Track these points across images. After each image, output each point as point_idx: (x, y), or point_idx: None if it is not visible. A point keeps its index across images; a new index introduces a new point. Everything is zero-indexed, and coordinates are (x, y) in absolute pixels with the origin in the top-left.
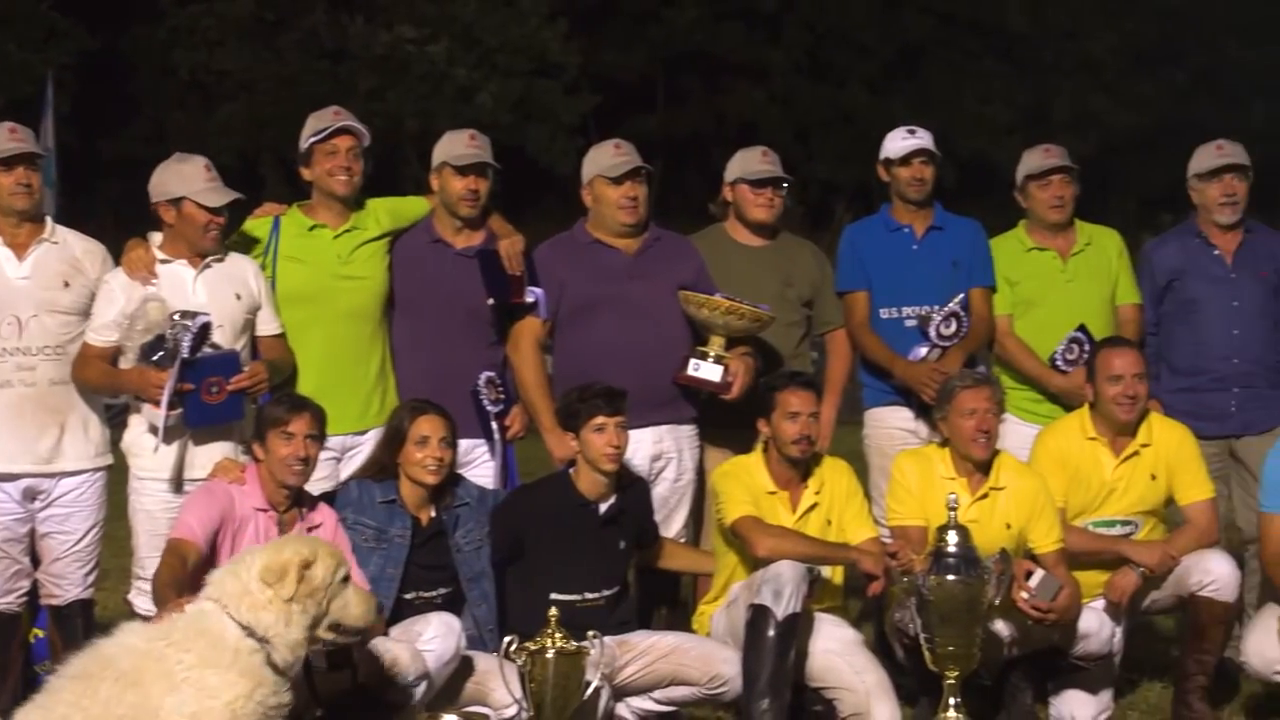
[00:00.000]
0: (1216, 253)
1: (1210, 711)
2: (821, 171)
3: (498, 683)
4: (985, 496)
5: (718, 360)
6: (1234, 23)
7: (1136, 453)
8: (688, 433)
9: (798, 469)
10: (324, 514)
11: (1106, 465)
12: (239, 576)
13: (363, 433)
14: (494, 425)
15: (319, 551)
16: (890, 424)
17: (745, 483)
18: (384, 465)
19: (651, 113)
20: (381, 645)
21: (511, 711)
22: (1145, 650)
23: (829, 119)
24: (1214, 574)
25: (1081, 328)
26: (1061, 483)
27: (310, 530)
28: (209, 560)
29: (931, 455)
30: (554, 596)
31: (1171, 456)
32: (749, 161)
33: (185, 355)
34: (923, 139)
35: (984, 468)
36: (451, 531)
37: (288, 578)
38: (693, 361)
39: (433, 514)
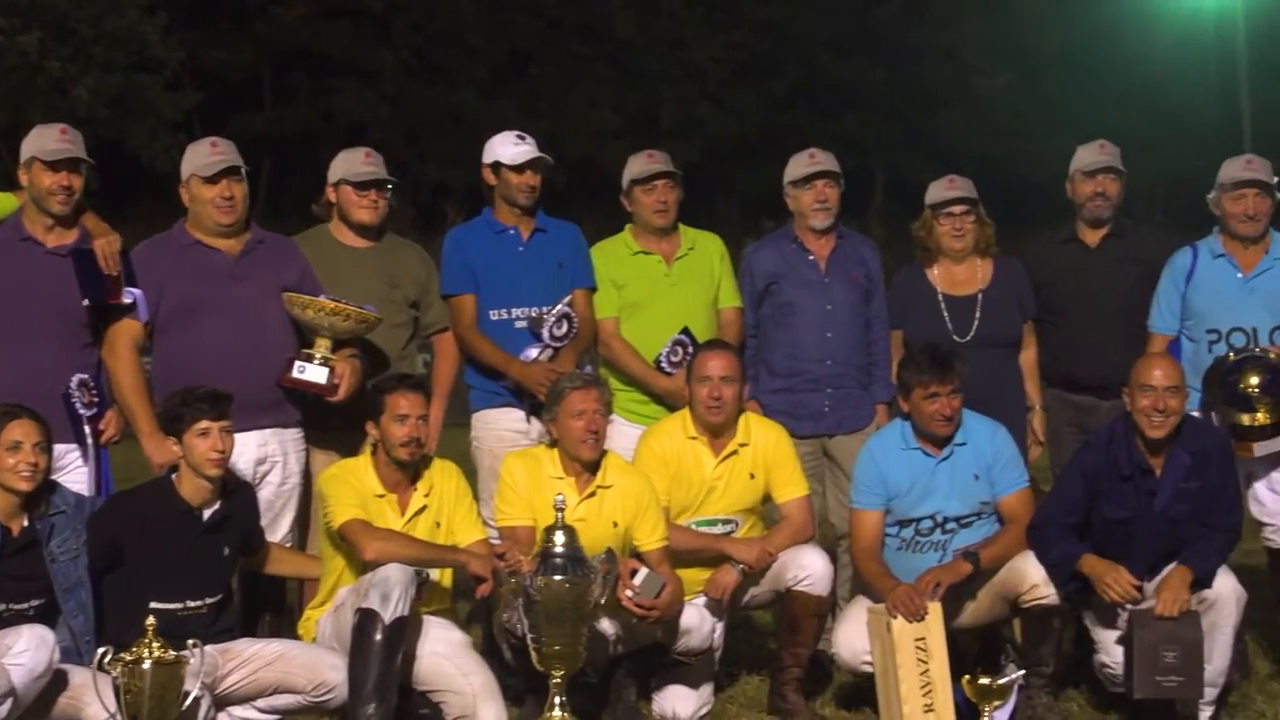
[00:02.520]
0: (811, 258)
1: (804, 702)
2: (432, 173)
3: (91, 696)
4: (593, 495)
5: (324, 362)
6: (828, 38)
7: (735, 452)
8: (293, 436)
9: (406, 472)
10: None
11: (707, 464)
12: None
13: None
14: (87, 430)
15: None
16: (501, 426)
17: (353, 486)
18: None
19: (258, 110)
20: None
21: None
22: (744, 644)
23: (439, 120)
24: (808, 569)
25: (685, 330)
26: (665, 482)
27: None
28: None
29: (540, 456)
30: (154, 605)
31: (768, 455)
32: (352, 163)
33: None
34: (533, 147)
35: (592, 467)
36: (46, 540)
37: None
38: (298, 364)
39: (25, 523)
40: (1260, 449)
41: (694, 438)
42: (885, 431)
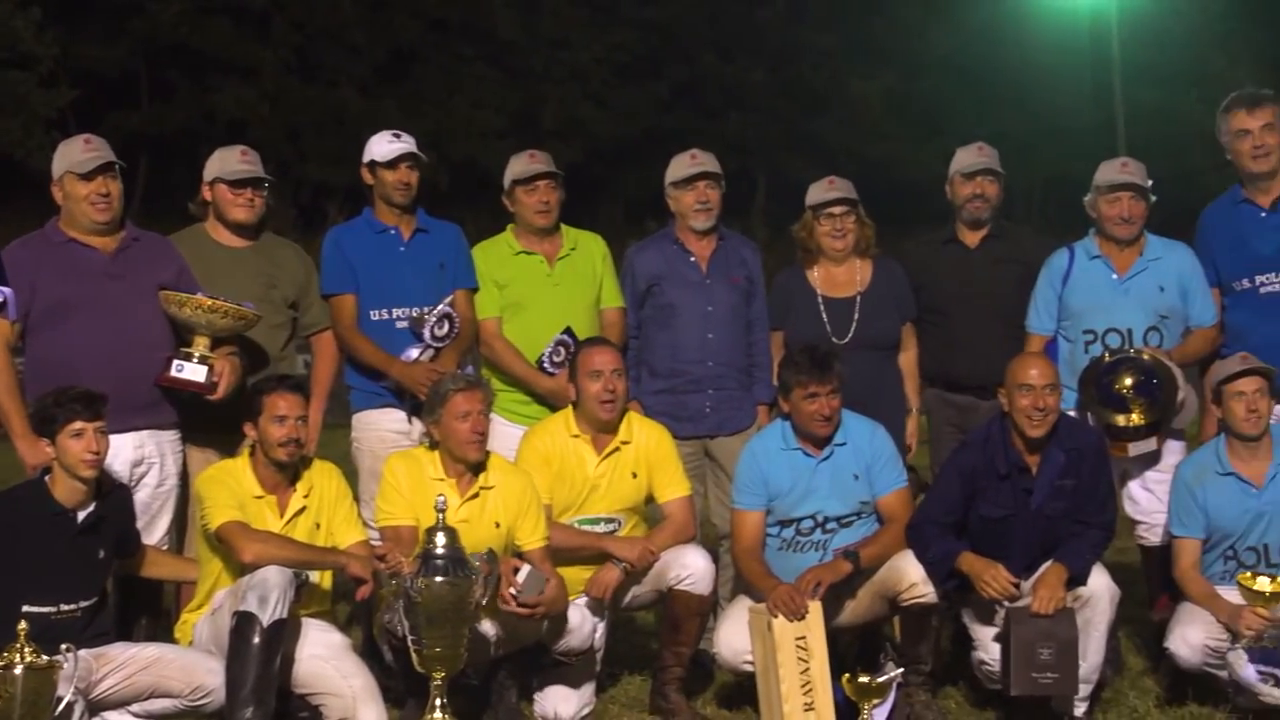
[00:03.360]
0: (692, 259)
1: (686, 702)
2: (314, 172)
3: None
4: (475, 497)
5: (202, 360)
6: (711, 39)
7: (618, 449)
8: (170, 437)
9: (285, 473)
10: None
11: (589, 463)
12: None
13: None
14: None
15: None
16: (382, 426)
17: (230, 487)
18: None
19: (135, 108)
20: None
21: None
22: (626, 644)
23: (320, 119)
24: (690, 568)
25: (567, 330)
26: (547, 480)
27: None
28: None
29: (421, 457)
30: (27, 609)
31: (650, 455)
32: (227, 161)
33: None
34: (407, 144)
35: (475, 469)
36: None
37: None
38: (176, 362)
39: None
40: (1134, 449)
41: (576, 436)
42: (766, 432)
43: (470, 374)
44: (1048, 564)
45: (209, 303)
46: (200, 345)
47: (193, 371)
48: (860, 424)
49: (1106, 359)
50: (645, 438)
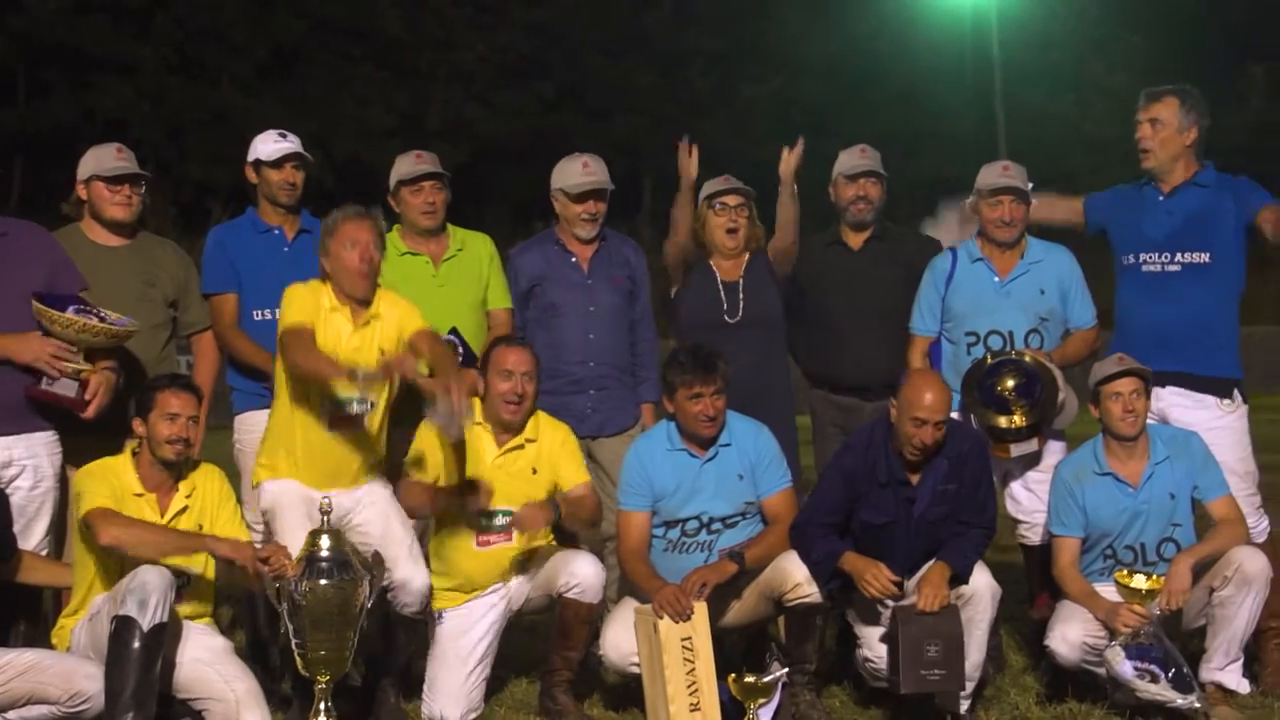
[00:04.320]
0: (574, 260)
1: (574, 703)
2: (195, 171)
3: None
4: (367, 325)
5: (75, 375)
6: (598, 41)
7: (521, 446)
8: (45, 439)
9: (170, 472)
10: None
11: (488, 454)
12: None
13: None
14: None
15: None
16: (264, 427)
17: (109, 482)
18: None
19: (12, 106)
20: None
21: None
22: (513, 646)
23: (202, 118)
24: (578, 576)
25: (454, 331)
26: (441, 456)
27: None
28: None
29: (317, 288)
30: None
31: (554, 453)
32: (102, 158)
33: None
34: (293, 144)
35: (364, 303)
36: None
37: None
38: (46, 377)
39: None
40: (1016, 450)
41: (479, 423)
42: (651, 433)
43: (361, 207)
44: (931, 563)
45: (80, 323)
46: (74, 359)
47: (64, 386)
48: (745, 424)
49: (989, 361)
50: (550, 437)
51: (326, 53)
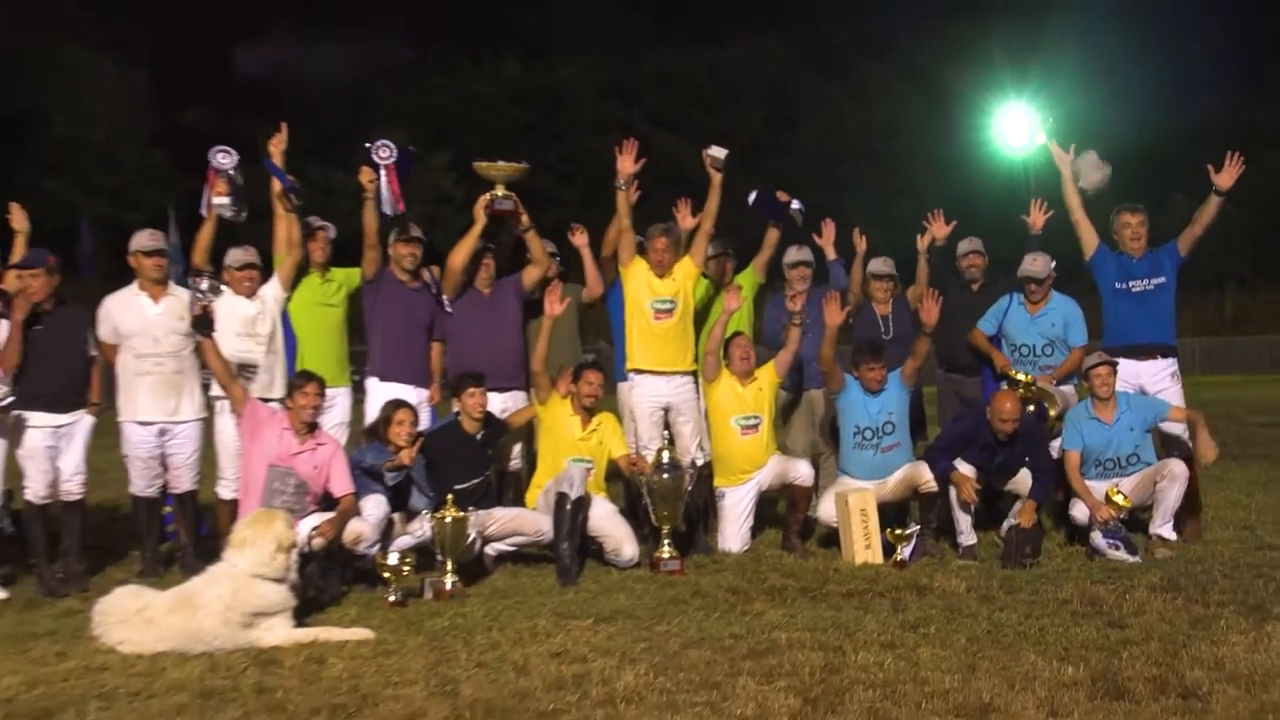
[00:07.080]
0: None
1: (802, 543)
2: None
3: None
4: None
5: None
6: None
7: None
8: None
9: (588, 411)
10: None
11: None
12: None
13: None
14: None
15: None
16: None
17: (561, 412)
18: None
19: None
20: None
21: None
22: (769, 509)
23: None
24: (801, 471)
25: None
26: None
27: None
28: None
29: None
30: (456, 487)
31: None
32: None
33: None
34: None
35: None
36: None
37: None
38: (497, 198)
39: None
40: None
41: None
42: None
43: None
44: (1026, 498)
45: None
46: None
47: (502, 204)
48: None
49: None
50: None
51: None
